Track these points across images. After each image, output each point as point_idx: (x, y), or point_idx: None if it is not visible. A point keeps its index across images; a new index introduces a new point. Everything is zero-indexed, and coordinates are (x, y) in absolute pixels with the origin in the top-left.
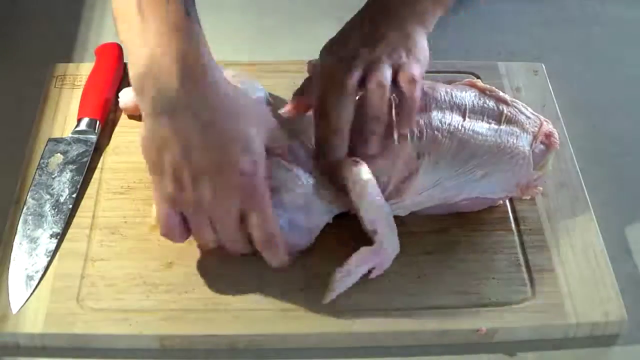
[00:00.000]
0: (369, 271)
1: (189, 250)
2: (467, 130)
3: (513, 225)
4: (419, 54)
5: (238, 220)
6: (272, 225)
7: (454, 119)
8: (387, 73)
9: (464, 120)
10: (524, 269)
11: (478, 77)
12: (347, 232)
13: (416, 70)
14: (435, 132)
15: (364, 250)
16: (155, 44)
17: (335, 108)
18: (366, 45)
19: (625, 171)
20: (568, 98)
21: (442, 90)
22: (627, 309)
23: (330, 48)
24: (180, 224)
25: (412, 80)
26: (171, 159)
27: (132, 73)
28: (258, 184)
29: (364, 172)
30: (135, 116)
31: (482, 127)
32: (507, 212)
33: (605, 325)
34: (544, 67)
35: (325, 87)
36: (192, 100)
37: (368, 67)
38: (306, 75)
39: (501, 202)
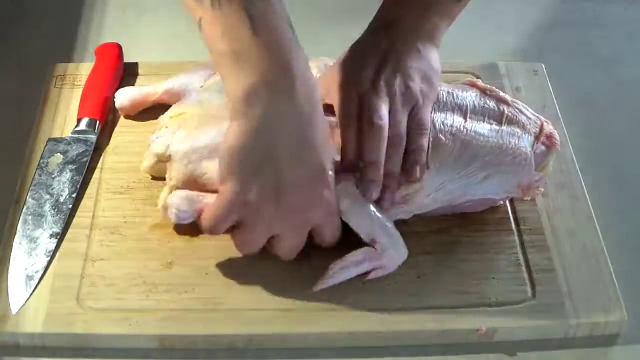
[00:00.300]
0: (368, 271)
1: (189, 250)
2: (469, 132)
3: (513, 226)
4: (433, 77)
5: (307, 233)
6: (340, 227)
7: (455, 121)
8: (403, 126)
9: (466, 121)
10: (524, 269)
11: (478, 77)
12: (347, 232)
13: (427, 113)
14: (439, 134)
15: (366, 250)
16: (272, 59)
17: (372, 148)
18: (382, 72)
19: (625, 171)
20: (568, 98)
21: (445, 91)
22: (627, 309)
23: (347, 77)
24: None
25: (421, 129)
26: (267, 171)
27: (241, 86)
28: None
29: (350, 187)
30: (131, 116)
31: (483, 128)
32: (508, 212)
33: (605, 325)
34: (544, 67)
35: (349, 122)
36: (301, 117)
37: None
38: None
39: (502, 202)
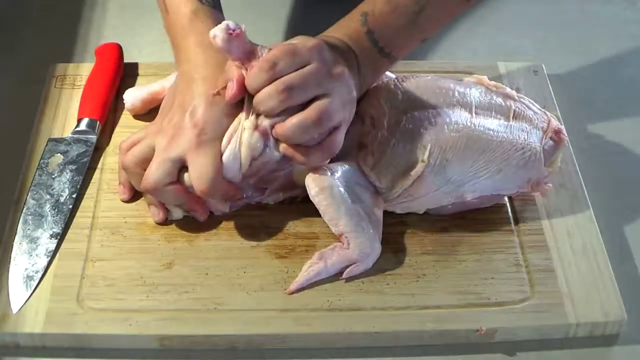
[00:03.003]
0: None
1: (189, 250)
2: (476, 127)
3: (513, 226)
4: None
5: None
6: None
7: (462, 116)
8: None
9: (472, 116)
10: (524, 269)
11: None
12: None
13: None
14: (444, 129)
15: (335, 246)
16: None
17: None
18: None
19: (625, 171)
20: (568, 98)
21: (449, 87)
22: (627, 309)
23: None
24: None
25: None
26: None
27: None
28: None
29: (323, 180)
30: (140, 116)
31: (492, 123)
32: (507, 212)
33: (605, 325)
34: (544, 67)
35: None
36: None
37: None
38: None
39: (504, 200)
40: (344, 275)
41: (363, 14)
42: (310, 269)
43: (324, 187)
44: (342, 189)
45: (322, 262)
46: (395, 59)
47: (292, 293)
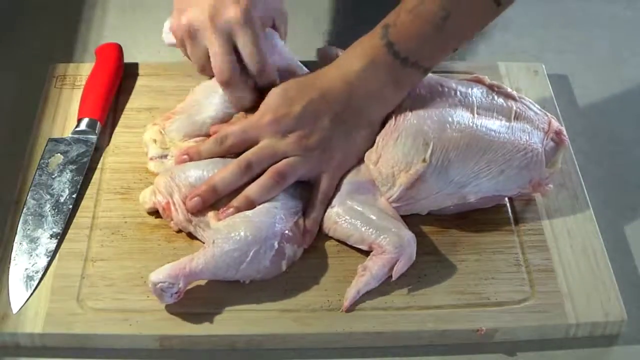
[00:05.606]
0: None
1: (189, 251)
2: (478, 127)
3: (513, 225)
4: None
5: None
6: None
7: (464, 116)
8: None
9: (474, 117)
10: (524, 269)
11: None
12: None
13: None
14: (446, 129)
15: (371, 257)
16: None
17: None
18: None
19: (625, 171)
20: (568, 98)
21: (451, 86)
22: (627, 309)
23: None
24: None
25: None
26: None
27: None
28: None
29: (328, 217)
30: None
31: (493, 123)
32: (507, 212)
33: (605, 325)
34: (544, 67)
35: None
36: None
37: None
38: None
39: (505, 200)
40: (394, 277)
41: (385, 26)
42: (358, 281)
43: (334, 222)
44: (350, 206)
45: (367, 272)
46: (424, 68)
47: (348, 311)
